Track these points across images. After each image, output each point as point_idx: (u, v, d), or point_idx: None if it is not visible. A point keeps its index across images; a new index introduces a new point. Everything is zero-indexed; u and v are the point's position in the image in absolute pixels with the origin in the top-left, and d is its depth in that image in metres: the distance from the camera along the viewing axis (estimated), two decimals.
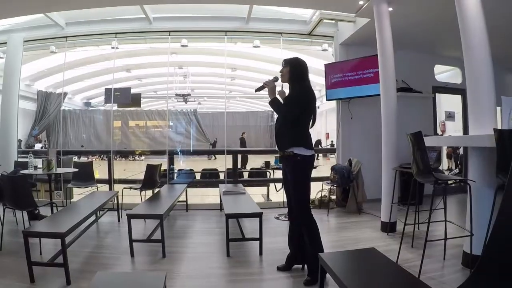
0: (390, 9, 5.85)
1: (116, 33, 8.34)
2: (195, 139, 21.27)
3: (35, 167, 6.12)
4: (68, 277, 3.69)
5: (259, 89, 4.08)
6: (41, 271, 3.89)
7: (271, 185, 8.60)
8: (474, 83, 3.98)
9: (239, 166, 14.44)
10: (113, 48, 8.83)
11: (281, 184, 7.77)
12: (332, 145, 19.82)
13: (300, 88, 3.85)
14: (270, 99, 3.90)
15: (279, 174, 7.93)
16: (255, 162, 15.16)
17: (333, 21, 7.96)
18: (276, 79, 3.96)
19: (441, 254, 4.35)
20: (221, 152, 9.03)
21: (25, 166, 6.35)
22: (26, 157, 6.49)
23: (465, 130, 8.82)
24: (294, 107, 3.76)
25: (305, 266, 4.00)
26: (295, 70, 3.90)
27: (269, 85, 3.91)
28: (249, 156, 15.63)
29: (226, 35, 8.42)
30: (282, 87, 4.10)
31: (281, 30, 8.40)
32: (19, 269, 3.95)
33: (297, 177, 3.84)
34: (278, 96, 3.96)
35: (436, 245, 4.44)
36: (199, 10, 8.24)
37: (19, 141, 10.30)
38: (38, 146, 15.47)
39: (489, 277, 2.10)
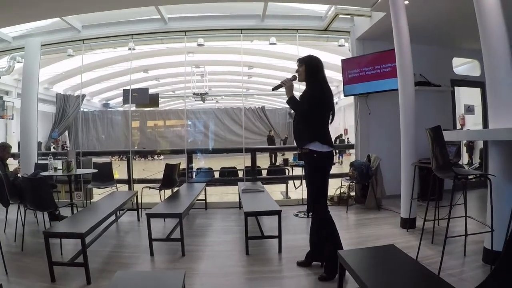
0: (406, 2, 5.78)
1: (132, 35, 8.41)
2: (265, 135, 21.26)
3: (55, 169, 6.22)
4: (88, 277, 3.75)
5: (276, 88, 4.11)
6: (61, 270, 3.95)
7: (290, 182, 8.58)
8: (493, 76, 3.92)
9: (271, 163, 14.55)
10: (129, 49, 8.92)
11: (299, 181, 7.79)
12: (341, 140, 19.70)
13: (314, 85, 3.84)
14: (287, 98, 3.92)
15: (297, 171, 7.95)
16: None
17: (349, 16, 7.93)
18: (294, 78, 3.98)
19: (462, 251, 4.29)
20: (240, 150, 9.04)
21: (45, 168, 6.45)
22: (46, 159, 6.59)
23: (485, 123, 8.67)
24: (306, 104, 3.76)
25: None
26: (310, 68, 3.88)
27: (287, 83, 3.93)
28: (263, 154, 15.72)
29: (242, 33, 8.42)
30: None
31: (297, 26, 8.36)
32: (40, 269, 4.03)
33: (313, 173, 3.85)
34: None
35: (456, 241, 4.38)
36: (214, 9, 8.25)
37: (39, 143, 10.46)
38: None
39: (511, 274, 2.07)
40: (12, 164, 7.75)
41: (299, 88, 4.70)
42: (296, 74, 3.98)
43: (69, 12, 7.42)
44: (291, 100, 3.90)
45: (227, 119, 21.94)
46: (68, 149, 16.14)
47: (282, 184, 8.86)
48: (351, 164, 7.43)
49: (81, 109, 16.59)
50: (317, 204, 3.85)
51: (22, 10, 6.66)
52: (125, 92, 8.94)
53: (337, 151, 17.40)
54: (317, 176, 3.83)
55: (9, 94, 14.15)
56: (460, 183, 3.94)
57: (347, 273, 2.84)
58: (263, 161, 15.74)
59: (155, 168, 14.42)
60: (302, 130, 3.85)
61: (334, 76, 12.94)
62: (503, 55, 3.84)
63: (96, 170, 7.07)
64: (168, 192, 7.07)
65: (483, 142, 9.36)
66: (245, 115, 22.39)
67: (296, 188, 8.16)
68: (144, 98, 8.94)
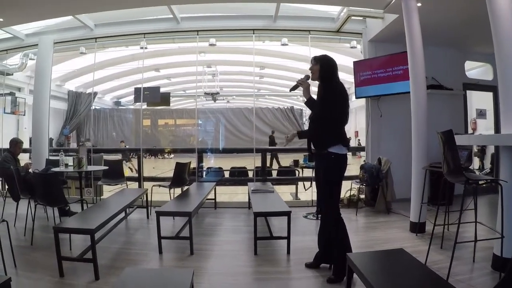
0: (419, 4, 5.74)
1: (144, 34, 8.45)
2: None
3: (66, 165, 6.25)
4: (96, 273, 3.78)
5: (293, 88, 4.06)
6: (70, 266, 3.99)
7: (300, 183, 8.56)
8: (506, 80, 3.88)
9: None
10: (142, 48, 8.97)
11: (309, 182, 7.77)
12: (359, 144, 19.57)
13: (334, 87, 3.79)
14: (305, 99, 3.89)
15: (307, 172, 7.92)
16: (282, 160, 15.22)
17: (361, 18, 7.89)
18: (308, 77, 3.94)
19: (471, 256, 4.25)
20: (250, 150, 9.04)
21: (57, 164, 6.49)
22: (57, 155, 6.63)
23: (497, 128, 8.59)
24: (333, 108, 3.71)
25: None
26: (326, 68, 3.85)
27: (304, 84, 3.89)
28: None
29: (254, 33, 8.42)
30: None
31: (309, 27, 8.34)
32: (49, 263, 4.06)
33: (329, 175, 3.82)
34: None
35: (465, 247, 4.35)
36: (227, 9, 8.28)
37: (50, 139, 10.55)
38: None
39: None
40: (23, 159, 7.81)
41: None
42: (310, 73, 3.95)
43: (82, 11, 7.48)
44: (312, 102, 3.85)
45: (256, 119, 22.02)
46: (80, 144, 16.22)
47: (292, 185, 8.84)
48: (362, 167, 7.39)
49: (93, 106, 16.66)
50: (330, 205, 3.84)
51: (35, 8, 6.74)
52: (137, 91, 9.02)
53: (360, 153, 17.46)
54: (333, 177, 3.82)
55: (21, 90, 14.24)
56: (471, 188, 3.90)
57: (355, 275, 2.83)
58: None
59: (165, 167, 14.45)
60: (324, 133, 3.80)
61: (345, 78, 12.86)
62: None
63: (106, 167, 7.11)
64: (177, 191, 7.11)
65: (495, 147, 9.28)
66: (274, 115, 22.74)
67: (306, 190, 8.14)
68: (156, 97, 9.01)
